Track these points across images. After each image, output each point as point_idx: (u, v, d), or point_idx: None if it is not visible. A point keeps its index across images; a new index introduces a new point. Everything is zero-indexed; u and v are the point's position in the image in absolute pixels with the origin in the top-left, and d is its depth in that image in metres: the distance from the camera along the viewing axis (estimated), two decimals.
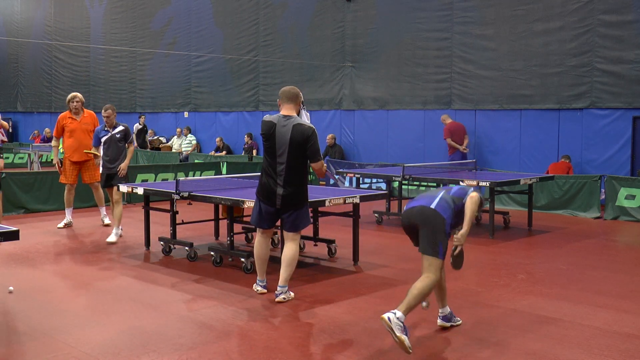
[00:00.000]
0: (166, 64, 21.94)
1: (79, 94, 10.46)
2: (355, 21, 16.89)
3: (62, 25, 26.17)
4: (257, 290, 6.50)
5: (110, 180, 9.47)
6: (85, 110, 10.42)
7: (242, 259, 7.44)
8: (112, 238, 9.21)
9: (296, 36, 18.24)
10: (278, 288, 6.23)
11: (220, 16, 20.25)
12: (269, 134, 6.19)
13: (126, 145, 9.61)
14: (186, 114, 21.45)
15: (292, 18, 18.35)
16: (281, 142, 6.13)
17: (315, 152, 6.17)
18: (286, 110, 6.27)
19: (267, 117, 6.29)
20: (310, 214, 6.73)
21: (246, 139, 18.93)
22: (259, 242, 6.41)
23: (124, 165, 9.45)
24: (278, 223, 6.61)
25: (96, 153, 9.63)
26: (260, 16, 19.15)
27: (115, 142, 9.47)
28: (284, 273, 6.19)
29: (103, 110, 9.51)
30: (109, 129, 9.52)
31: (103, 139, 9.49)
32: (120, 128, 9.54)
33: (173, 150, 20.35)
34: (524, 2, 13.85)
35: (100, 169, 9.64)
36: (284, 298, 6.20)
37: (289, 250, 6.22)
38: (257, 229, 6.41)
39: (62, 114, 10.38)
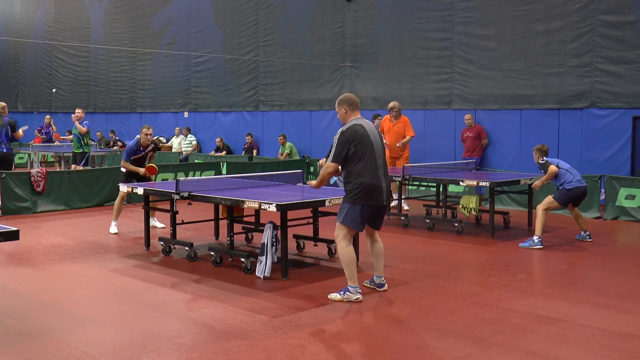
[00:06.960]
0: (166, 64, 21.93)
1: None
2: (355, 21, 16.88)
3: (62, 25, 26.15)
4: (359, 299, 6.27)
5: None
6: None
7: (242, 259, 7.43)
8: (159, 224, 10.23)
9: (296, 36, 18.23)
10: (382, 279, 6.70)
11: (220, 16, 20.23)
12: (364, 134, 6.37)
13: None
14: (186, 114, 21.44)
15: (292, 18, 18.34)
16: (376, 142, 6.41)
17: None
18: (356, 115, 6.73)
19: (354, 126, 6.44)
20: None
21: (247, 138, 18.93)
22: (351, 247, 6.49)
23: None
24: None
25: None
26: (260, 16, 19.14)
27: (146, 156, 10.02)
28: (381, 265, 6.72)
29: (146, 129, 9.90)
30: (143, 148, 9.95)
31: (134, 157, 9.88)
32: (152, 146, 10.05)
33: (173, 150, 20.34)
34: (525, 2, 13.84)
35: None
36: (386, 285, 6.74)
37: (381, 244, 6.75)
38: (348, 234, 6.41)
39: None
